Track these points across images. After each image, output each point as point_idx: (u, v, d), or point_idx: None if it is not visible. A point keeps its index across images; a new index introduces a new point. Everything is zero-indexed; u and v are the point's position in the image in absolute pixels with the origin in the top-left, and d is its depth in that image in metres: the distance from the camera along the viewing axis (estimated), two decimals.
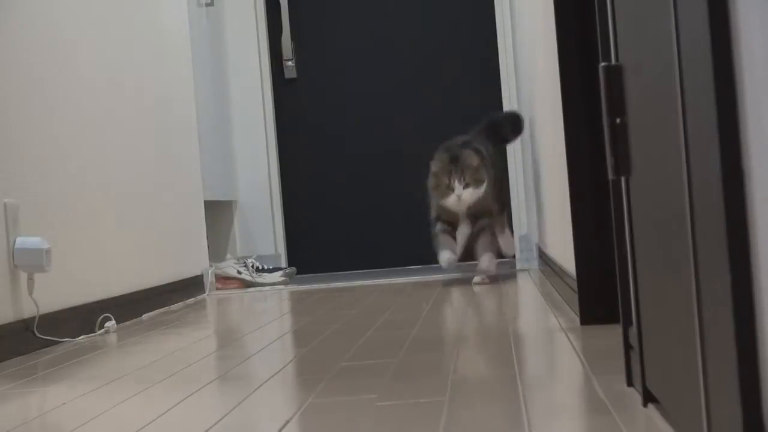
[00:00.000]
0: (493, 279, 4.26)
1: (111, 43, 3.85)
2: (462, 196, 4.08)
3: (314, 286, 4.76)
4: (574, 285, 2.59)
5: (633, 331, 1.62)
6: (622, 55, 1.53)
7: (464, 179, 4.07)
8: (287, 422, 1.64)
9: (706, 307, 1.03)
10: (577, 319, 2.54)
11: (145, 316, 3.79)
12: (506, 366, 2.00)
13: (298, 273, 5.59)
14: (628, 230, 1.58)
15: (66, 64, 3.42)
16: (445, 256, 4.15)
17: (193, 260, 4.67)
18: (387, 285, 4.56)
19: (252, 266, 5.16)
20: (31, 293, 2.98)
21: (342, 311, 3.40)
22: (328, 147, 5.75)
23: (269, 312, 3.72)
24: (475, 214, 4.22)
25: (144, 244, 4.01)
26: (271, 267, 5.36)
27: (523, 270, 4.76)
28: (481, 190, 4.10)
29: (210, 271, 4.84)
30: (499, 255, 4.38)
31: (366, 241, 5.74)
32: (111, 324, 3.35)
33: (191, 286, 4.53)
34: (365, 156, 5.74)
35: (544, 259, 4.14)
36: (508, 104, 5.53)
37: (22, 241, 2.96)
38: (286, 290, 4.80)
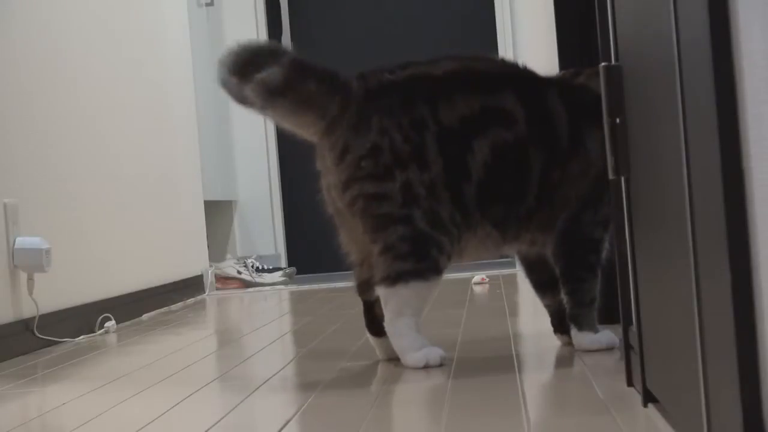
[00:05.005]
0: (493, 279, 4.26)
1: (111, 43, 3.85)
2: None
3: (314, 286, 4.76)
4: None
5: (633, 331, 1.62)
6: (622, 55, 1.53)
7: None
8: (287, 422, 1.64)
9: (706, 307, 1.03)
10: None
11: (145, 316, 3.79)
12: (506, 366, 2.00)
13: (298, 273, 5.59)
14: (628, 230, 1.58)
15: (66, 65, 3.42)
16: None
17: (193, 260, 4.67)
18: None
19: (252, 266, 5.16)
20: (31, 293, 2.98)
21: (342, 311, 3.40)
22: None
23: (269, 312, 3.72)
24: None
25: (144, 244, 4.01)
26: (271, 267, 5.36)
27: None
28: None
29: (210, 271, 4.84)
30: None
31: None
32: (111, 324, 3.35)
33: (191, 286, 4.53)
34: None
35: None
36: None
37: (21, 241, 2.96)
38: (286, 290, 4.80)
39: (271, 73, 2.03)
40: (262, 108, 2.08)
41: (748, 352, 0.92)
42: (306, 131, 2.10)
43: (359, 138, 2.03)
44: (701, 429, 1.09)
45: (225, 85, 2.07)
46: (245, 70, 2.04)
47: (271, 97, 2.05)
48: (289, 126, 2.12)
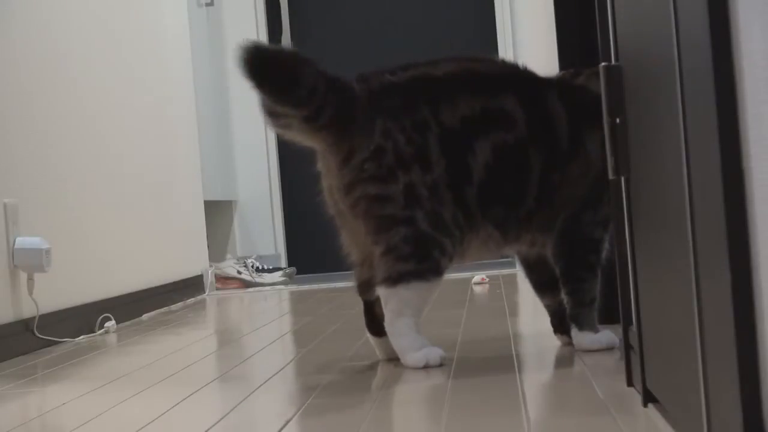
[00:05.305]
0: (493, 279, 4.26)
1: (111, 44, 3.85)
2: None
3: (314, 286, 4.76)
4: None
5: (633, 331, 1.62)
6: (622, 55, 1.53)
7: None
8: (287, 422, 1.64)
9: (706, 307, 1.03)
10: None
11: (145, 316, 3.79)
12: (506, 366, 2.00)
13: (298, 273, 5.59)
14: (628, 230, 1.58)
15: (66, 65, 3.42)
16: None
17: (193, 260, 4.66)
18: None
19: (252, 266, 5.16)
20: (31, 293, 2.98)
21: (342, 311, 3.40)
22: None
23: (269, 312, 3.72)
24: None
25: (144, 244, 4.01)
26: (271, 267, 5.36)
27: None
28: None
29: (210, 271, 4.84)
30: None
31: None
32: (111, 324, 3.35)
33: (191, 286, 4.53)
34: None
35: None
36: None
37: (21, 241, 2.96)
38: (286, 290, 4.80)
39: (327, 114, 2.02)
40: (296, 135, 2.08)
41: (748, 352, 0.92)
42: (318, 145, 2.09)
43: (363, 140, 2.03)
44: (701, 429, 1.09)
45: (267, 113, 2.08)
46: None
47: (312, 130, 2.05)
48: (305, 143, 2.11)
